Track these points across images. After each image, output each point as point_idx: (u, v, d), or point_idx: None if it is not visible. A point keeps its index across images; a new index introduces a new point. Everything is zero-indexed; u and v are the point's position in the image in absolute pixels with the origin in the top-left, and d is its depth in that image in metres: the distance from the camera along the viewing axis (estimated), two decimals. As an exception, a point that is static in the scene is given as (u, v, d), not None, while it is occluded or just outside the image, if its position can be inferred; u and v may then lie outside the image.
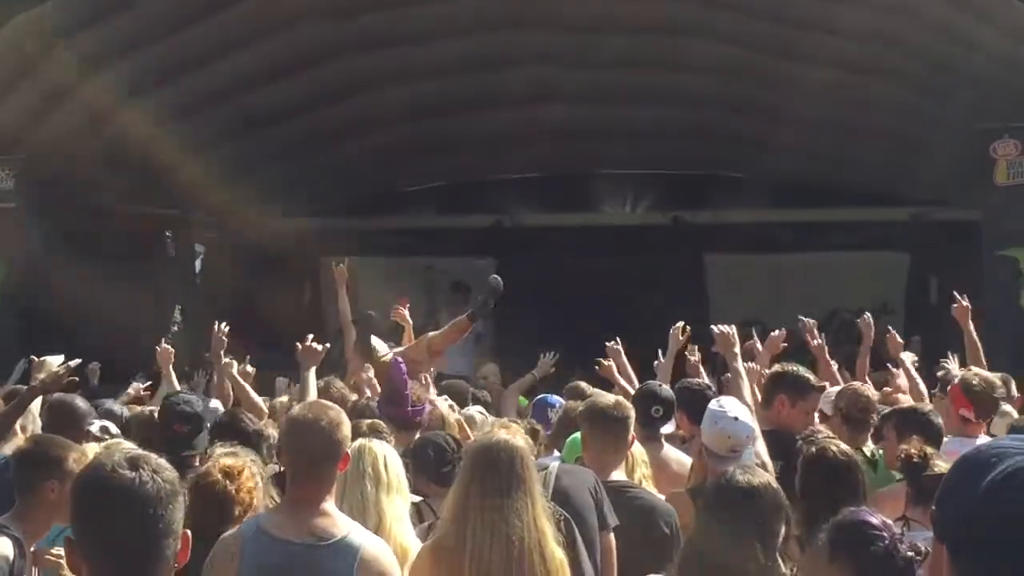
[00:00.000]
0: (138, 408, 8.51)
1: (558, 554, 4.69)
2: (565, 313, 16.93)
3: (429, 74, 14.84)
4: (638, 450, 6.37)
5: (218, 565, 4.36)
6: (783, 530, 4.28)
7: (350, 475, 4.94)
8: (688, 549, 4.55)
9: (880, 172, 16.02)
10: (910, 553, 3.85)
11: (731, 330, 7.33)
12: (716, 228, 17.46)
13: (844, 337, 12.99)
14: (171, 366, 9.33)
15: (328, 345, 8.26)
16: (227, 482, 4.73)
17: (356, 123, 15.66)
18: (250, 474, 4.79)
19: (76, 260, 13.22)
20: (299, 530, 4.38)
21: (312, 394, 7.23)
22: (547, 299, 16.87)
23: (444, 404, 7.53)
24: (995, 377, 7.78)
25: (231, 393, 8.57)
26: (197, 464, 5.43)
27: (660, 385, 7.54)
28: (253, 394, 8.27)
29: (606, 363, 9.16)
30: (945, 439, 6.60)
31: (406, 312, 10.85)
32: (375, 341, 10.20)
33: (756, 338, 9.18)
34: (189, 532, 2.83)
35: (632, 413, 6.17)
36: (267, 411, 8.13)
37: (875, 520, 3.97)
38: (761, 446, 6.24)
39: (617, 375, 9.02)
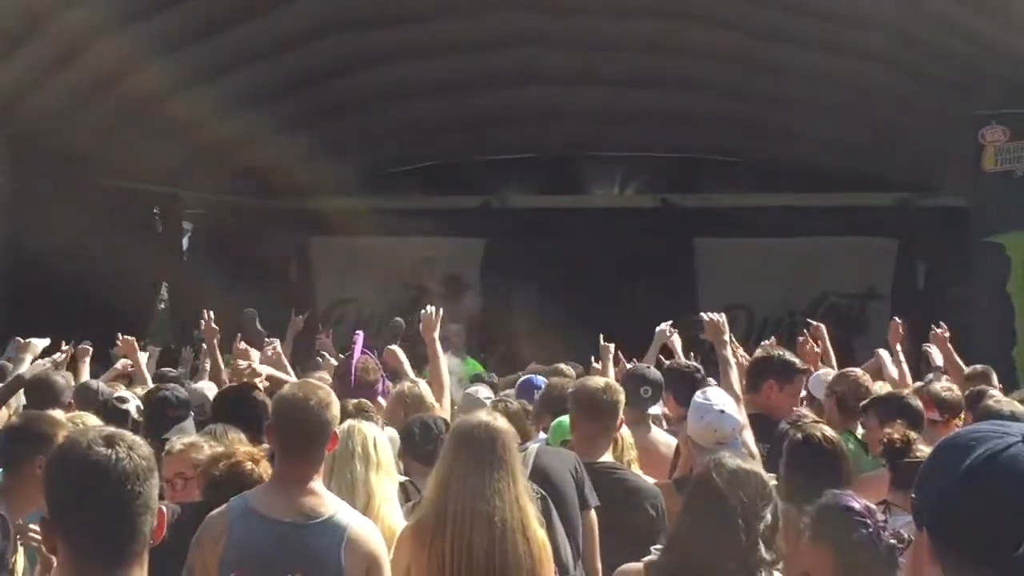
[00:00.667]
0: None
1: (541, 534, 4.69)
2: (553, 294, 16.96)
3: (420, 54, 14.83)
4: (626, 433, 6.37)
5: (205, 543, 4.36)
6: (769, 517, 4.28)
7: (339, 455, 4.93)
8: (673, 534, 4.55)
9: (868, 157, 16.05)
10: (892, 541, 3.87)
11: (720, 317, 7.33)
12: (705, 211, 17.49)
13: (832, 321, 13.03)
14: (138, 353, 9.13)
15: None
16: (255, 466, 4.78)
17: (345, 102, 15.64)
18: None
19: (64, 236, 13.19)
20: (287, 509, 4.38)
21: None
22: (535, 280, 16.89)
23: (423, 387, 7.41)
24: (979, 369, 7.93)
25: (226, 380, 8.50)
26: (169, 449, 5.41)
27: (649, 367, 7.54)
28: (285, 375, 8.04)
29: (596, 365, 9.10)
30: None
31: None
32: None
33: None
34: (164, 508, 2.84)
35: (622, 397, 6.16)
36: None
37: (858, 506, 3.98)
38: (748, 436, 6.24)
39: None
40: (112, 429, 2.88)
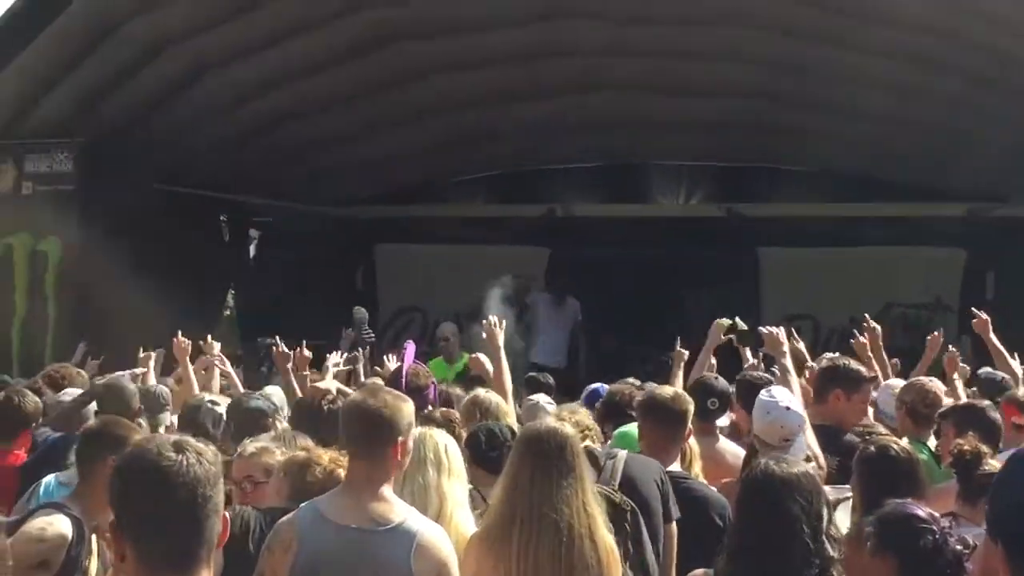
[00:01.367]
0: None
1: (608, 540, 4.70)
2: (616, 304, 16.93)
3: (481, 63, 14.86)
4: (694, 444, 6.38)
5: (276, 551, 4.38)
6: (827, 513, 4.28)
7: (412, 461, 4.96)
8: (735, 543, 4.52)
9: (936, 167, 15.90)
10: (959, 547, 3.82)
11: (779, 330, 7.35)
12: (770, 221, 17.36)
13: (900, 331, 12.91)
14: (188, 358, 9.09)
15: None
16: (335, 467, 4.88)
17: (408, 112, 15.70)
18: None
19: (131, 243, 13.36)
20: (357, 515, 4.39)
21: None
22: (597, 289, 16.86)
23: (496, 396, 7.40)
24: None
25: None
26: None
27: (716, 377, 7.53)
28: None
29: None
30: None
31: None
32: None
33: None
34: (228, 514, 2.88)
35: (691, 407, 6.18)
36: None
37: (922, 513, 3.92)
38: (810, 435, 6.25)
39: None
40: (179, 436, 2.92)
